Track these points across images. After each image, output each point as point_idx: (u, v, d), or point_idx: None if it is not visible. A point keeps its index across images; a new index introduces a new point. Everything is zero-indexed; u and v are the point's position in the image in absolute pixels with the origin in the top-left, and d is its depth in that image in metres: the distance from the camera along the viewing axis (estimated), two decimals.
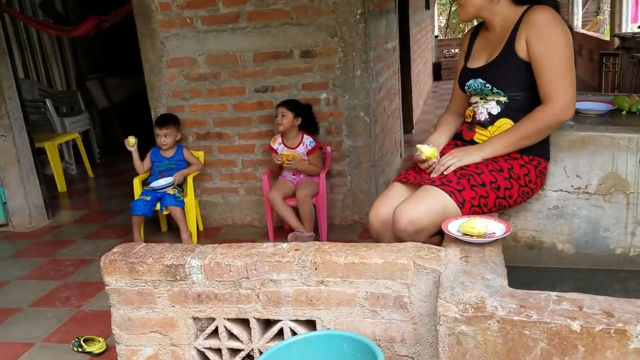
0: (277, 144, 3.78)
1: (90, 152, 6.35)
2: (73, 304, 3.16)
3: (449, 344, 1.40)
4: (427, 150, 2.04)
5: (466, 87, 2.17)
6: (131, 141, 3.87)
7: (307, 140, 3.74)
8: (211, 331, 1.87)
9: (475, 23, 2.33)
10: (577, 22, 11.55)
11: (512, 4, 2.04)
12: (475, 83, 2.10)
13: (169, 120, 3.93)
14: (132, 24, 4.01)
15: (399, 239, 1.90)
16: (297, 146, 3.73)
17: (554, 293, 1.40)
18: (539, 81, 1.97)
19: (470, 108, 2.17)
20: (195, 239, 3.93)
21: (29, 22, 5.59)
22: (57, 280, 3.50)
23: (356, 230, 3.94)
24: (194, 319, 1.87)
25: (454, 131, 2.27)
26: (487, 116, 2.09)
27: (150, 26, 3.93)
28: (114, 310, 1.91)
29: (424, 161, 2.07)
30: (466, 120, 2.20)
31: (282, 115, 3.64)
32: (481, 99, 2.12)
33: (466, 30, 2.34)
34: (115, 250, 1.93)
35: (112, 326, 1.93)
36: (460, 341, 1.38)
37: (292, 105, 3.67)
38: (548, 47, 1.93)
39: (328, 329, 1.76)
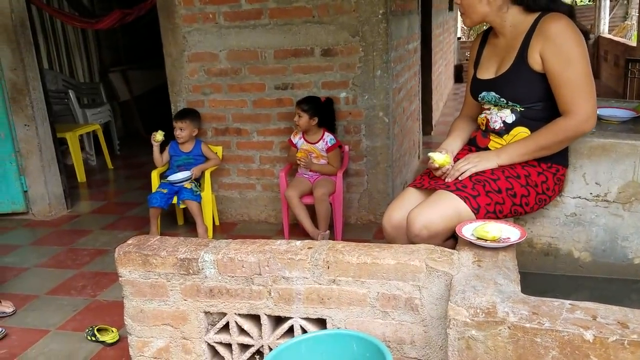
0: (297, 138, 3.79)
1: (110, 144, 6.43)
2: (88, 294, 3.21)
3: (458, 348, 1.39)
4: (439, 158, 2.03)
5: (480, 98, 2.12)
6: (157, 137, 3.89)
7: (328, 137, 3.74)
8: (222, 326, 1.88)
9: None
10: (604, 27, 11.35)
11: (523, 11, 1.96)
12: (489, 96, 2.05)
13: (187, 114, 3.96)
14: (155, 18, 4.05)
15: (413, 243, 1.89)
16: (318, 142, 3.73)
17: (568, 301, 1.38)
18: (558, 95, 1.90)
19: (483, 115, 2.13)
20: (211, 233, 3.96)
21: (55, 14, 5.67)
22: (73, 269, 3.55)
23: (371, 230, 3.93)
24: (206, 313, 1.88)
25: (468, 136, 2.24)
26: (502, 125, 2.04)
27: (173, 20, 3.96)
28: (126, 301, 1.93)
29: (437, 169, 2.05)
30: (480, 127, 2.17)
31: (299, 116, 3.66)
32: (495, 106, 2.07)
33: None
34: (129, 242, 1.95)
35: (125, 317, 1.95)
36: (470, 346, 1.37)
37: (308, 106, 3.66)
38: (565, 61, 1.85)
39: (338, 328, 1.76)
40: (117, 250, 1.90)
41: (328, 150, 3.73)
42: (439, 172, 2.05)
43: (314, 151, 3.73)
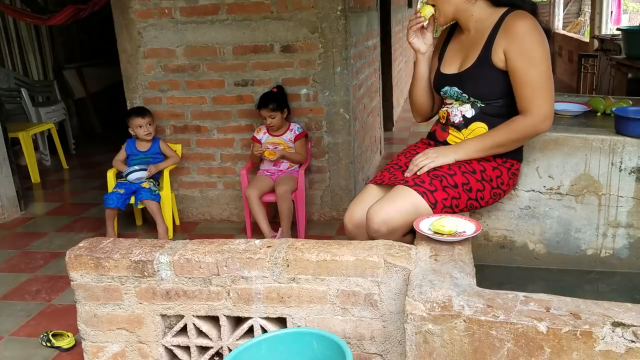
0: (261, 134, 3.75)
1: (65, 143, 6.24)
2: (43, 298, 3.11)
3: (416, 342, 1.39)
4: (427, 9, 2.06)
5: (442, 93, 2.13)
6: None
7: (295, 126, 3.74)
8: (180, 328, 1.84)
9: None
10: (558, 23, 11.65)
11: (489, 6, 1.98)
12: (452, 91, 2.06)
13: (142, 112, 3.86)
14: (110, 13, 3.94)
15: (373, 239, 1.89)
16: (284, 133, 3.71)
17: (522, 293, 1.40)
18: (518, 93, 1.92)
19: (444, 109, 2.14)
20: (171, 233, 3.88)
21: (6, 10, 5.47)
22: (27, 273, 3.43)
23: (334, 226, 3.93)
24: (162, 316, 1.84)
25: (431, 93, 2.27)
26: (462, 119, 2.06)
27: (128, 16, 3.86)
28: (79, 306, 1.87)
29: (419, 17, 2.08)
30: (440, 120, 2.19)
31: (271, 118, 3.61)
32: (456, 100, 2.08)
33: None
34: (81, 244, 1.89)
35: (78, 322, 1.89)
36: (427, 340, 1.38)
37: (274, 104, 3.62)
38: (528, 61, 1.87)
39: (298, 327, 1.75)
40: (67, 254, 1.84)
41: (296, 138, 3.71)
42: (413, 21, 2.10)
43: (281, 143, 3.70)
